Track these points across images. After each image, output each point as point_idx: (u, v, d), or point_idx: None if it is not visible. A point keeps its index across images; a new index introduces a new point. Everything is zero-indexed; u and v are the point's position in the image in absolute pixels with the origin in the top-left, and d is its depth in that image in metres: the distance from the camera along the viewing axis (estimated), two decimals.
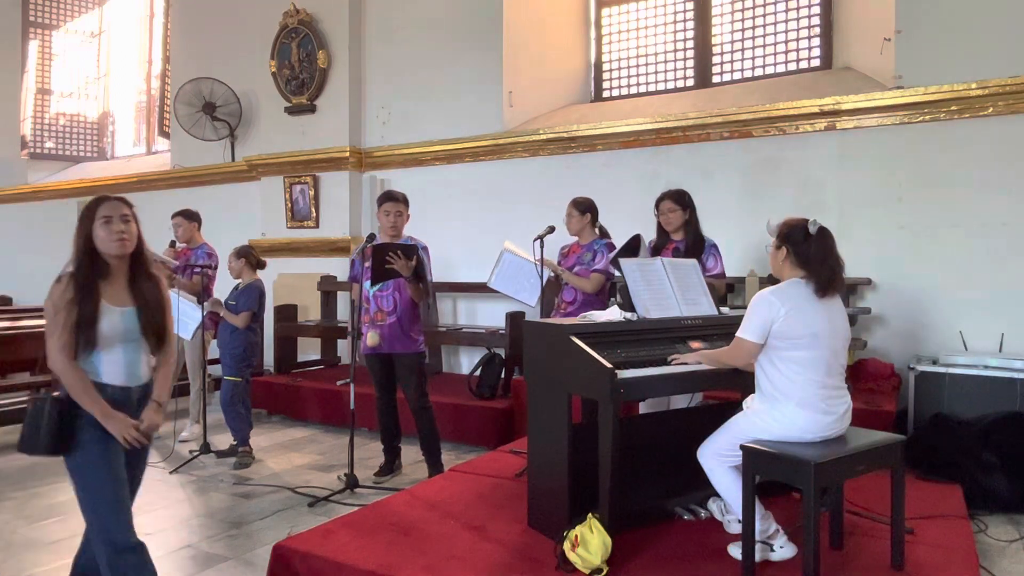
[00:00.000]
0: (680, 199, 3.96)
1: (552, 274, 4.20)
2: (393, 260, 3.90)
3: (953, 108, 4.65)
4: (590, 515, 2.53)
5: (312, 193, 7.14)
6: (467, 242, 6.32)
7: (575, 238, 4.36)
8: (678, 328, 2.99)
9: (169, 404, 5.51)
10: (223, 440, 5.02)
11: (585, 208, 4.25)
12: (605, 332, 2.83)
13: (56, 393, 2.26)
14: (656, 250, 3.98)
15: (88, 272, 2.25)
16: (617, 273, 3.82)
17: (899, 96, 4.77)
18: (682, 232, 3.98)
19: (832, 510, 2.72)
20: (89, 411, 2.20)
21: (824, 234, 2.54)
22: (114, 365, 2.28)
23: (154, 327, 2.35)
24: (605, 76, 6.63)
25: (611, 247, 4.18)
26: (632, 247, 3.89)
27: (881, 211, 4.87)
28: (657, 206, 4.03)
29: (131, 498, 2.38)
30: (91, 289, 2.24)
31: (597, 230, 4.30)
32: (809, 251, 2.51)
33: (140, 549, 2.25)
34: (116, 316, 2.27)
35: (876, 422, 3.67)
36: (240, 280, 4.83)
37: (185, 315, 4.87)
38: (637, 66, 6.45)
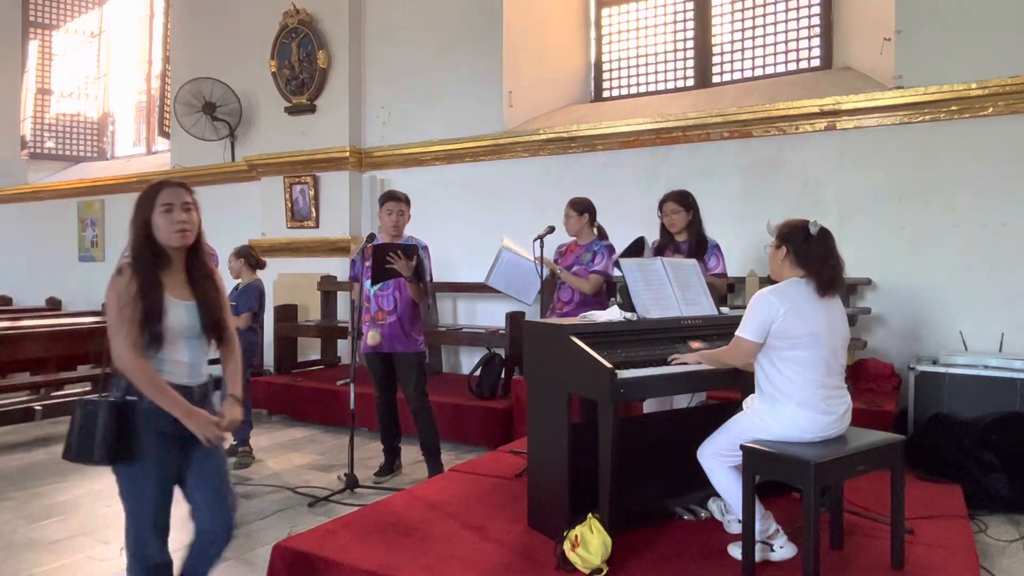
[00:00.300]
0: (684, 201, 3.97)
1: (549, 273, 4.20)
2: (393, 260, 3.90)
3: (953, 108, 4.65)
4: (590, 515, 2.53)
5: (312, 193, 7.14)
6: (467, 242, 6.32)
7: (573, 238, 4.36)
8: (678, 328, 2.99)
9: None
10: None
11: (583, 208, 4.25)
12: (605, 332, 2.83)
13: (109, 396, 2.08)
14: (659, 251, 3.98)
15: (149, 263, 2.10)
16: (617, 273, 3.82)
17: (899, 96, 4.77)
18: (685, 233, 3.99)
19: (832, 510, 2.72)
20: (168, 410, 2.06)
21: (825, 235, 2.54)
22: (177, 364, 2.13)
23: (215, 322, 2.20)
24: (605, 76, 6.63)
25: (611, 249, 4.18)
26: (636, 249, 3.89)
27: (881, 211, 4.87)
28: (661, 207, 4.04)
29: (235, 506, 2.29)
30: (155, 281, 2.09)
31: (595, 230, 4.30)
32: (810, 252, 2.51)
33: (169, 568, 2.20)
34: (181, 310, 2.13)
35: (876, 422, 3.67)
36: (240, 280, 4.84)
37: None
38: (637, 66, 6.44)
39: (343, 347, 7.01)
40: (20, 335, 5.66)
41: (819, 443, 2.46)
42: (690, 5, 6.18)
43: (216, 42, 7.97)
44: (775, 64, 5.82)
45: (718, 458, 2.63)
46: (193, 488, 2.22)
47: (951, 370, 4.07)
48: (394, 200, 4.19)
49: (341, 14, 6.96)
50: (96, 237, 9.17)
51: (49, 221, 9.56)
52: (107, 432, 2.02)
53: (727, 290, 5.04)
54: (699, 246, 3.95)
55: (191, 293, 2.17)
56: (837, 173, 5.03)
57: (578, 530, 2.51)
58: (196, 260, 2.22)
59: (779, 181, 5.21)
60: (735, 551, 2.58)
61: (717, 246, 3.98)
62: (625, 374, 2.56)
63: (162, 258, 2.13)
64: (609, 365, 2.53)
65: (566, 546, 2.51)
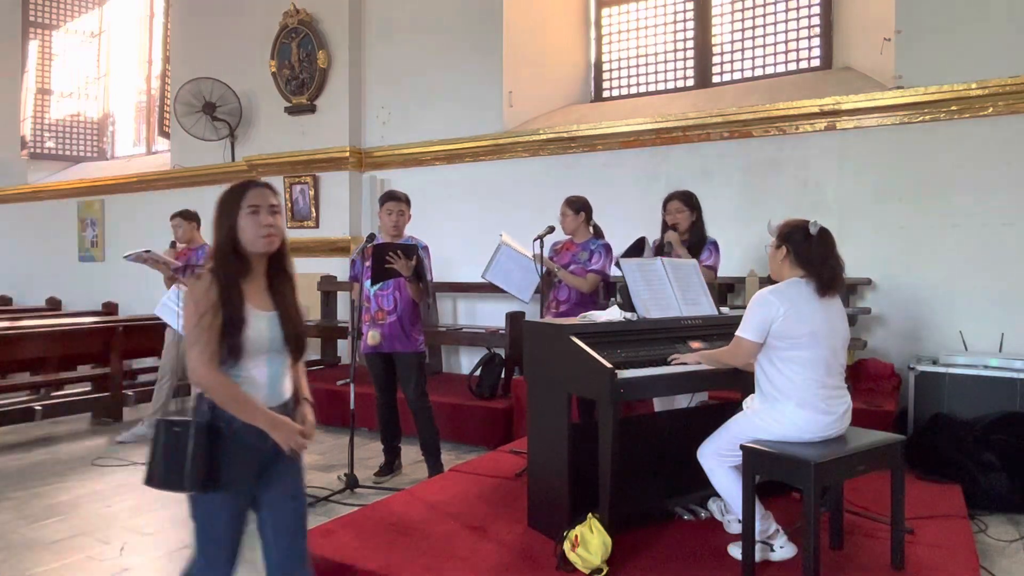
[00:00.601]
0: (688, 201, 3.98)
1: (546, 271, 4.20)
2: (393, 260, 3.90)
3: (953, 108, 4.65)
4: (590, 515, 2.53)
5: (312, 193, 7.14)
6: (467, 242, 6.32)
7: (569, 236, 4.35)
8: (678, 328, 2.99)
9: (170, 404, 5.59)
10: None
11: (580, 207, 4.25)
12: (605, 332, 2.83)
13: (195, 417, 1.92)
14: (660, 249, 3.99)
15: (231, 269, 1.93)
16: (616, 273, 3.82)
17: (899, 96, 4.77)
18: (688, 233, 3.99)
19: (832, 510, 2.72)
20: (253, 423, 1.90)
21: (825, 235, 2.55)
22: (254, 381, 1.94)
23: (296, 334, 2.02)
24: (605, 76, 6.63)
25: (608, 248, 4.18)
26: (637, 249, 3.90)
27: (881, 211, 4.87)
28: (665, 206, 4.04)
29: (304, 527, 2.08)
30: (236, 289, 1.92)
31: (591, 229, 4.30)
32: (810, 252, 2.52)
33: None
34: (263, 322, 1.95)
35: (876, 422, 3.67)
36: None
37: None
38: (637, 66, 6.44)
39: (343, 347, 7.01)
40: (20, 335, 5.66)
41: (819, 443, 2.46)
42: (690, 5, 6.18)
43: (216, 42, 7.97)
44: (775, 64, 5.82)
45: (718, 458, 2.63)
46: (266, 522, 2.03)
47: (951, 370, 4.07)
48: (394, 200, 4.20)
49: (341, 14, 6.96)
50: (96, 237, 9.16)
51: (49, 221, 9.56)
52: (197, 458, 1.85)
53: (727, 290, 5.05)
54: (698, 245, 3.95)
55: (272, 303, 2.00)
56: (837, 173, 5.03)
57: (578, 530, 2.51)
58: (279, 267, 2.04)
59: (779, 181, 5.21)
60: (735, 551, 2.58)
61: (714, 243, 3.99)
62: (625, 374, 2.56)
63: (244, 264, 1.96)
64: (609, 365, 2.53)
65: (566, 546, 2.51)
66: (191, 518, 1.97)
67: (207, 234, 5.68)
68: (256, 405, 1.92)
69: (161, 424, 1.91)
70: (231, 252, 1.94)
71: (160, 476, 1.89)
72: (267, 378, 1.97)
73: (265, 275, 2.02)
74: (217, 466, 1.88)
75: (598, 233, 4.29)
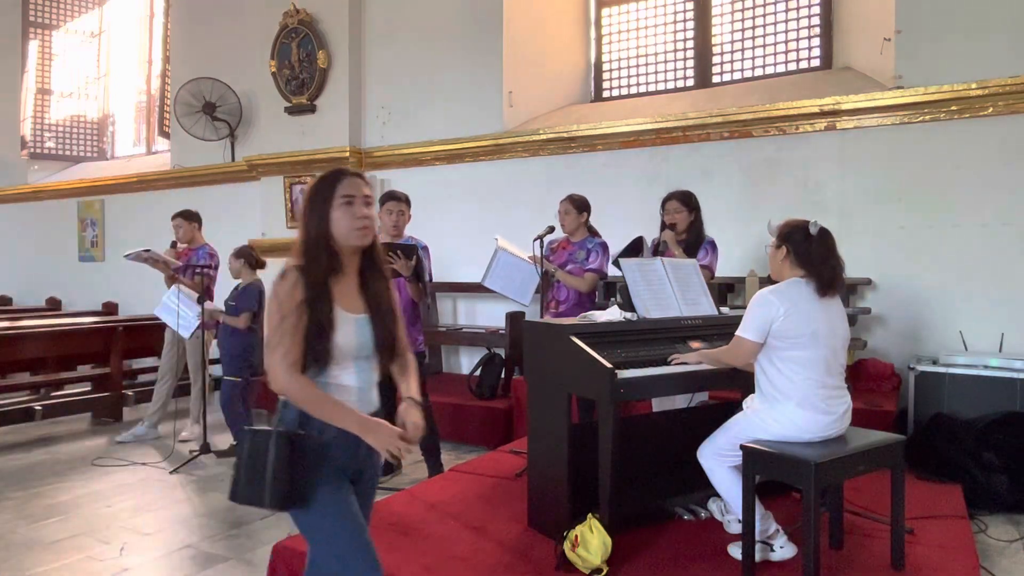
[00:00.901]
0: (687, 201, 3.98)
1: (544, 272, 4.20)
2: (393, 260, 3.90)
3: (953, 108, 4.65)
4: (590, 515, 2.53)
5: None
6: (467, 242, 6.31)
7: (567, 235, 4.35)
8: (678, 328, 2.99)
9: (169, 404, 5.59)
10: (223, 440, 5.02)
11: (582, 206, 4.25)
12: (605, 332, 2.83)
13: (278, 427, 1.77)
14: (657, 248, 3.98)
15: (321, 266, 1.77)
16: (615, 272, 3.82)
17: (899, 96, 4.77)
18: (686, 233, 3.99)
19: (832, 510, 2.72)
20: (341, 425, 1.75)
21: (825, 235, 2.55)
22: (342, 389, 1.80)
23: (389, 339, 1.87)
24: (605, 76, 6.62)
25: (605, 247, 4.18)
26: (634, 249, 3.89)
27: (881, 211, 4.87)
28: (663, 205, 4.04)
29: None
30: (325, 289, 1.77)
31: (587, 228, 4.30)
32: (810, 252, 2.52)
33: None
34: (350, 325, 1.79)
35: (876, 422, 3.67)
36: (240, 280, 4.85)
37: (186, 314, 4.90)
38: (637, 66, 6.44)
39: None
40: (20, 335, 5.66)
41: (819, 443, 2.46)
42: (690, 5, 6.17)
43: (216, 42, 7.97)
44: (775, 64, 5.82)
45: (718, 458, 2.63)
46: None
47: (951, 370, 4.07)
48: (394, 200, 4.19)
49: (341, 14, 6.95)
50: (96, 237, 9.16)
51: (49, 221, 9.55)
52: (278, 471, 1.68)
53: (727, 290, 5.05)
54: (695, 245, 3.95)
55: (363, 304, 1.85)
56: (837, 173, 5.03)
57: (578, 530, 2.51)
58: (371, 264, 1.88)
59: (779, 181, 5.21)
60: (735, 551, 2.58)
61: (712, 243, 3.99)
62: (625, 374, 2.56)
63: (335, 261, 1.80)
64: (609, 365, 2.53)
65: (566, 546, 2.51)
66: (310, 545, 1.81)
67: (214, 234, 5.76)
68: (345, 408, 1.77)
69: (245, 434, 1.77)
70: (323, 247, 1.79)
71: (242, 490, 1.74)
72: (355, 385, 1.83)
73: (357, 273, 1.87)
74: (302, 480, 1.72)
75: (593, 232, 4.29)
